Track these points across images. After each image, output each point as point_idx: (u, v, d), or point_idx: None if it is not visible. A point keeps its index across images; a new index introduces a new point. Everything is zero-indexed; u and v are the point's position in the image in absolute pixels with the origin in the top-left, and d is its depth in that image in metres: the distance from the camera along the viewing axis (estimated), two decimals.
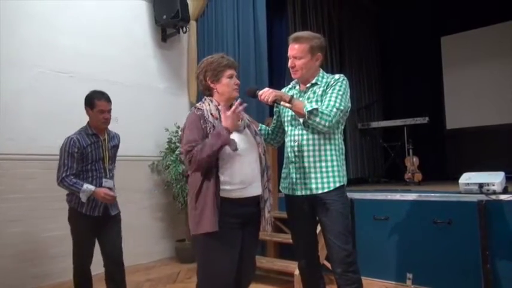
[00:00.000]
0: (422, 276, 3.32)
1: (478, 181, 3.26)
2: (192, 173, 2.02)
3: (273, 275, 3.85)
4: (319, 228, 2.34)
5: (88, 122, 2.86)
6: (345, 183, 2.28)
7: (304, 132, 2.25)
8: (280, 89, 2.40)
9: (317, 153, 2.22)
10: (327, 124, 2.12)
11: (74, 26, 4.25)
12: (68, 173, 2.69)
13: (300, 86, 2.40)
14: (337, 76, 2.29)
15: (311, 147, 2.23)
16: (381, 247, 3.58)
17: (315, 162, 2.23)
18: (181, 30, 5.06)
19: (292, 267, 3.38)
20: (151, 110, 4.89)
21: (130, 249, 4.25)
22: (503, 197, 3.08)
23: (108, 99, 2.84)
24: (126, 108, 4.44)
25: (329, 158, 2.23)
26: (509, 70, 6.33)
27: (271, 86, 3.46)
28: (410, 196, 3.57)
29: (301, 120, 2.19)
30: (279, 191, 2.57)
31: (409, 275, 3.37)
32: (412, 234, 3.44)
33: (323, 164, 2.22)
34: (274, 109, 2.52)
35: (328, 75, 2.34)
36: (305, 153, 2.24)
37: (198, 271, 2.05)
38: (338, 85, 2.22)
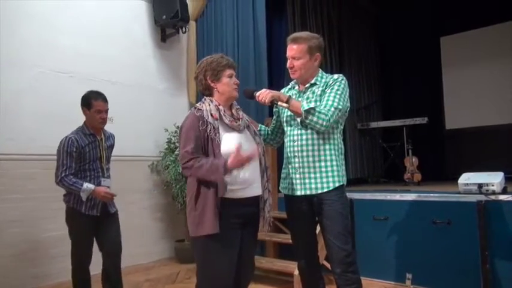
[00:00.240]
0: (421, 276, 3.33)
1: (477, 181, 3.27)
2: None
3: (273, 275, 3.85)
4: (318, 228, 2.34)
5: (85, 122, 2.88)
6: (345, 183, 2.28)
7: (303, 132, 2.25)
8: (279, 90, 2.41)
9: (316, 153, 2.23)
10: (324, 123, 2.12)
11: (74, 26, 4.25)
12: (67, 173, 2.70)
13: (299, 86, 2.40)
14: (336, 76, 2.29)
15: (310, 147, 2.23)
16: (381, 247, 3.58)
17: (314, 162, 2.23)
18: (180, 31, 5.07)
19: (292, 267, 3.39)
20: (151, 110, 4.89)
21: (130, 250, 4.25)
22: (502, 197, 3.08)
23: (105, 100, 2.86)
24: (126, 108, 4.45)
25: (328, 157, 2.23)
26: (508, 70, 6.33)
27: (270, 86, 3.48)
28: (410, 196, 3.58)
29: (298, 119, 2.19)
30: (279, 191, 2.57)
31: (409, 275, 3.37)
32: (412, 235, 3.44)
33: (322, 163, 2.22)
34: (274, 109, 2.52)
35: (327, 75, 2.34)
36: (304, 153, 2.24)
37: (197, 272, 2.05)
38: (337, 85, 2.23)
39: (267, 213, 2.14)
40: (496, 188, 3.16)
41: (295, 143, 2.27)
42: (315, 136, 2.23)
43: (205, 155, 1.98)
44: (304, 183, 2.25)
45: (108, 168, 2.95)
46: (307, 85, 2.32)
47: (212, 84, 2.11)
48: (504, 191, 3.20)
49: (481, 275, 3.03)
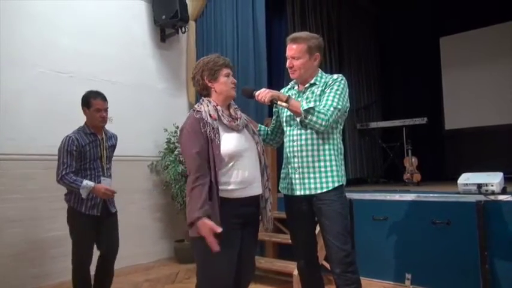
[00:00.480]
0: (421, 276, 3.33)
1: (476, 181, 3.27)
2: None
3: (272, 275, 3.85)
4: (318, 228, 2.34)
5: (85, 122, 2.92)
6: (344, 183, 2.28)
7: (303, 132, 2.25)
8: (279, 90, 2.41)
9: (316, 152, 2.23)
10: (323, 123, 2.12)
11: (74, 26, 4.25)
12: (67, 171, 2.74)
13: (298, 86, 2.40)
14: (335, 76, 2.29)
15: (310, 147, 2.23)
16: (380, 247, 3.59)
17: (313, 162, 2.23)
18: (180, 31, 5.06)
19: (291, 267, 3.39)
20: (151, 110, 4.89)
21: (129, 250, 4.26)
22: (501, 197, 3.09)
23: (104, 98, 2.90)
24: (125, 108, 4.45)
25: (328, 157, 2.23)
26: (508, 71, 6.34)
27: (270, 86, 3.47)
28: (409, 196, 3.58)
29: (298, 119, 2.19)
30: (278, 192, 2.57)
31: (408, 275, 3.37)
32: (411, 235, 3.45)
33: (322, 163, 2.23)
34: (274, 109, 2.52)
35: (326, 75, 2.34)
36: (304, 153, 2.24)
37: (197, 272, 2.04)
38: (336, 85, 2.23)
39: (268, 211, 2.14)
40: (496, 188, 3.17)
41: (295, 143, 2.27)
42: (315, 136, 2.23)
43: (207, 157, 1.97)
44: (304, 183, 2.25)
45: (109, 168, 2.99)
46: (306, 85, 2.33)
47: (210, 84, 2.10)
48: (503, 191, 3.20)
49: (481, 275, 3.04)
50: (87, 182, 2.74)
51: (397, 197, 3.66)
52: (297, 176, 2.27)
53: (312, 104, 2.15)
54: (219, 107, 2.07)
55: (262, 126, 2.55)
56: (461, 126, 6.83)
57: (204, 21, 5.25)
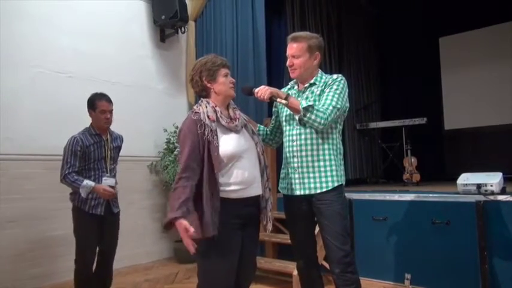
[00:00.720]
0: (420, 276, 3.33)
1: (476, 182, 3.27)
2: None
3: (272, 276, 3.85)
4: (317, 228, 2.34)
5: (91, 123, 2.98)
6: (343, 183, 2.28)
7: (302, 131, 2.25)
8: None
9: (315, 152, 2.23)
10: (322, 122, 2.12)
11: (73, 26, 4.25)
12: (70, 170, 2.80)
13: (298, 86, 2.40)
14: (335, 76, 2.29)
15: (309, 147, 2.23)
16: (380, 247, 3.58)
17: (313, 161, 2.23)
18: (179, 31, 5.07)
19: (291, 267, 3.39)
20: (150, 110, 4.89)
21: (129, 250, 4.26)
22: (501, 197, 3.08)
23: (108, 100, 2.96)
24: (125, 109, 4.42)
25: (327, 157, 2.23)
26: (507, 71, 6.34)
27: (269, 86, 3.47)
28: (409, 197, 3.58)
29: (297, 117, 2.19)
30: (278, 192, 2.57)
31: (408, 276, 3.37)
32: (411, 235, 3.44)
33: (321, 163, 2.22)
34: (273, 109, 2.52)
35: (326, 75, 2.35)
36: (303, 153, 2.24)
37: (198, 273, 2.03)
38: (336, 84, 2.23)
39: (269, 211, 2.14)
40: (495, 188, 3.17)
41: (294, 143, 2.27)
42: (314, 136, 2.23)
43: (202, 159, 1.95)
44: (303, 183, 2.25)
45: (113, 169, 3.04)
46: (306, 85, 2.33)
47: (209, 85, 2.09)
48: (503, 191, 3.20)
49: (480, 275, 3.04)
50: (87, 182, 2.78)
51: (396, 197, 3.66)
52: (296, 175, 2.27)
53: (311, 103, 2.15)
54: (217, 108, 2.06)
55: (262, 126, 2.55)
56: (461, 127, 6.84)
57: (203, 21, 5.25)
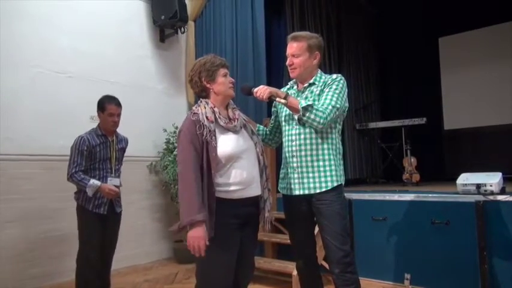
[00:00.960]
0: (420, 276, 3.33)
1: (475, 182, 3.27)
2: None
3: (271, 276, 3.85)
4: (317, 228, 2.34)
5: (98, 124, 3.08)
6: (343, 183, 2.28)
7: (302, 131, 2.25)
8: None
9: (314, 152, 2.23)
10: (321, 121, 2.12)
11: (73, 26, 4.24)
12: (77, 169, 2.88)
13: (297, 85, 2.41)
14: (334, 76, 2.30)
15: (308, 147, 2.23)
16: (379, 247, 3.58)
17: (312, 161, 2.23)
18: (179, 31, 5.07)
19: (290, 267, 3.39)
20: (150, 111, 4.89)
21: (129, 250, 4.26)
22: (500, 197, 3.09)
23: (118, 104, 3.06)
24: (124, 109, 4.38)
25: (326, 157, 2.23)
26: (507, 71, 6.35)
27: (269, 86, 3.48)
28: (408, 197, 3.58)
29: (296, 117, 2.19)
30: (277, 192, 2.57)
31: (407, 276, 3.37)
32: (410, 235, 3.45)
33: (320, 163, 2.23)
34: (272, 109, 2.53)
35: (326, 75, 2.35)
36: (303, 153, 2.24)
37: (196, 273, 2.04)
38: (335, 84, 2.23)
39: (267, 212, 2.14)
40: (494, 188, 3.17)
41: (294, 143, 2.27)
42: (313, 136, 2.23)
43: (202, 159, 1.95)
44: (303, 183, 2.25)
45: (118, 169, 3.13)
46: (305, 85, 2.33)
47: (208, 86, 2.09)
48: (502, 191, 3.20)
49: (480, 275, 3.04)
50: (93, 181, 2.87)
51: (396, 197, 3.66)
52: (295, 175, 2.27)
53: (310, 103, 2.15)
54: (216, 109, 2.05)
55: (261, 126, 2.55)
56: (460, 127, 6.85)
57: (203, 21, 5.25)
